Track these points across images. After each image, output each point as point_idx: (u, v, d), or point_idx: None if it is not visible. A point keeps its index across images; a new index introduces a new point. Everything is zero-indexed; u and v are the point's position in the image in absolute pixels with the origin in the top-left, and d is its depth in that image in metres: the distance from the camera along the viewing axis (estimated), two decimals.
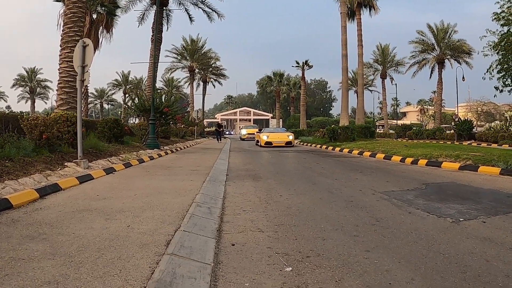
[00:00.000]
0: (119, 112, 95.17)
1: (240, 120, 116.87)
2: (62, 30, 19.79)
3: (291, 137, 33.34)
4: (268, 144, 31.74)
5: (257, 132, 40.00)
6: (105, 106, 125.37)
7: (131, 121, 51.75)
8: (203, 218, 5.94)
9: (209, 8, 42.85)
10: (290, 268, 4.05)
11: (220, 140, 47.74)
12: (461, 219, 6.25)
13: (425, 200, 8.02)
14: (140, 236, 4.73)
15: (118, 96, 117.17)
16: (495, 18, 34.23)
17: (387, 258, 4.40)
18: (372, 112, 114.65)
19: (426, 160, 15.74)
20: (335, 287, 3.61)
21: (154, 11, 36.56)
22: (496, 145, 29.17)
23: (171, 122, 30.22)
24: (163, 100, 26.86)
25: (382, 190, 9.15)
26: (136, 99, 27.23)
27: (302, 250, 4.64)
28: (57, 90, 19.72)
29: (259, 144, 33.80)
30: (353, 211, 6.90)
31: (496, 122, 49.84)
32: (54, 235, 4.80)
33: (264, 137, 32.59)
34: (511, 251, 4.68)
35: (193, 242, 4.70)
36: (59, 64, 19.30)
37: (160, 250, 4.21)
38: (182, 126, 43.16)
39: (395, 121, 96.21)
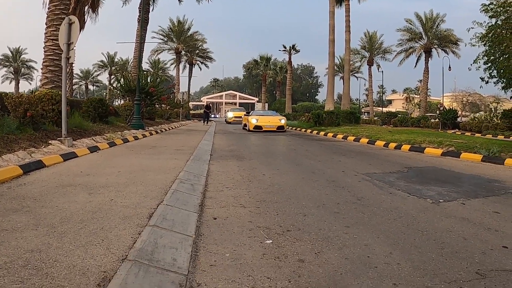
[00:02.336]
0: (104, 94, 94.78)
1: (225, 103, 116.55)
2: (48, 8, 19.58)
3: (283, 121, 30.01)
4: (258, 128, 28.71)
5: (244, 115, 36.47)
6: (90, 87, 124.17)
7: (116, 103, 51.54)
8: (186, 194, 5.99)
9: None
10: (271, 241, 4.12)
11: (207, 122, 44.68)
12: (441, 201, 6.38)
13: (406, 182, 8.14)
14: (123, 209, 4.77)
15: (104, 78, 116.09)
16: (483, 10, 34.31)
17: (366, 234, 4.49)
18: (358, 99, 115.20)
19: (410, 146, 15.87)
20: (314, 259, 3.68)
21: None
22: (480, 134, 29.40)
23: (156, 103, 30.07)
24: (148, 80, 26.72)
25: (364, 172, 9.26)
26: (122, 79, 27.08)
27: (283, 225, 4.72)
28: (42, 68, 19.56)
29: (246, 128, 30.67)
30: (334, 190, 7.00)
31: (480, 113, 50.18)
32: (38, 208, 4.82)
33: (253, 120, 29.31)
34: (488, 230, 4.80)
35: (175, 215, 4.75)
36: (45, 43, 19.14)
37: (143, 222, 4.26)
38: (167, 107, 42.97)
39: (381, 108, 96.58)
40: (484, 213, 5.66)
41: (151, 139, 17.43)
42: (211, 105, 53.99)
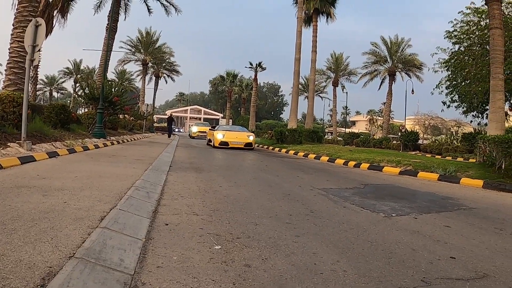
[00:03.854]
0: (69, 102, 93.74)
1: (190, 118, 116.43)
2: (16, 10, 19.47)
3: (251, 138, 27.64)
4: (224, 144, 26.31)
5: (210, 129, 33.55)
6: (55, 94, 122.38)
7: (80, 112, 51.03)
8: (141, 201, 6.03)
9: (168, 1, 42.73)
10: (219, 247, 4.20)
11: (169, 136, 42.97)
12: (393, 215, 6.58)
13: (361, 197, 8.34)
14: (76, 211, 4.79)
15: (69, 85, 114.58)
16: (447, 36, 35.35)
17: (315, 243, 4.60)
18: (322, 119, 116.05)
19: (368, 164, 16.18)
20: (261, 264, 3.77)
21: None
22: (440, 157, 29.90)
23: (120, 113, 29.88)
24: (112, 90, 26.59)
25: (321, 187, 9.43)
26: (87, 89, 26.90)
27: (233, 232, 4.81)
28: (5, 70, 19.38)
29: (211, 143, 28.30)
30: (289, 203, 7.12)
31: (442, 136, 51.04)
32: None
33: (218, 135, 26.81)
34: (437, 243, 4.99)
35: (128, 219, 4.79)
36: (10, 44, 18.99)
37: (94, 224, 4.28)
38: (131, 118, 42.71)
39: (344, 129, 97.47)
40: (435, 227, 5.88)
41: (112, 148, 17.33)
42: (174, 117, 52.35)
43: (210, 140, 30.07)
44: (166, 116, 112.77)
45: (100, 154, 13.82)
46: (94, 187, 6.62)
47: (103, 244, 3.71)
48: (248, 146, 27.08)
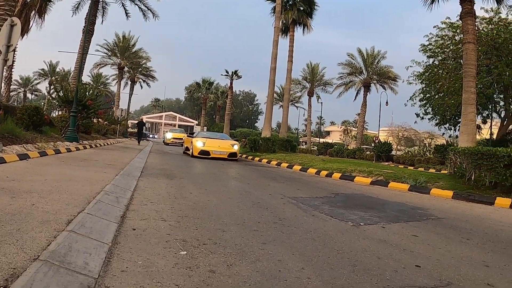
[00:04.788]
0: (43, 104, 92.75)
1: (165, 124, 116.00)
2: None
3: (235, 147, 24.60)
4: (204, 153, 23.11)
5: (187, 136, 30.03)
6: (29, 95, 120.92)
7: (54, 114, 50.49)
8: (109, 205, 6.03)
9: (146, 6, 42.53)
10: (185, 252, 4.22)
11: (139, 142, 39.31)
12: (361, 224, 6.66)
13: (331, 206, 8.40)
14: (43, 214, 4.78)
15: (43, 87, 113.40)
16: (422, 50, 35.90)
17: (281, 250, 4.65)
18: (297, 128, 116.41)
19: (340, 174, 16.31)
20: (225, 270, 3.80)
21: (90, 1, 36.03)
22: (413, 168, 30.17)
23: (93, 117, 29.66)
24: (87, 93, 26.41)
25: (291, 196, 9.49)
26: (61, 91, 26.68)
27: (200, 238, 4.83)
28: None
29: (189, 152, 25.15)
30: (258, 211, 7.17)
31: (415, 147, 51.52)
32: None
33: (198, 143, 23.52)
34: (403, 251, 5.08)
35: (95, 224, 4.80)
36: None
37: (60, 227, 4.29)
38: (104, 123, 42.42)
39: (319, 138, 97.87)
40: (402, 236, 5.98)
41: (84, 152, 17.24)
42: (145, 121, 51.04)
43: (187, 148, 26.90)
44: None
45: (72, 157, 13.74)
46: (63, 190, 6.60)
47: (68, 247, 3.72)
48: (232, 156, 24.05)
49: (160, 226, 5.28)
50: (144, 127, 43.70)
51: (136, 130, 48.79)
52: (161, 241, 4.56)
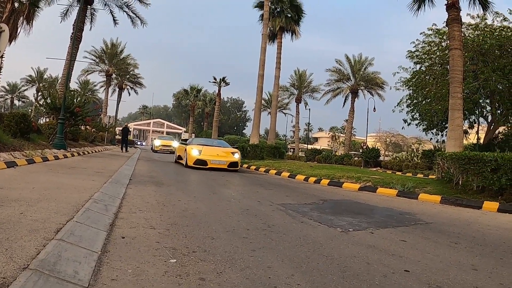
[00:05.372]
0: (30, 111, 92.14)
1: (153, 131, 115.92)
2: None
3: (236, 156, 21.70)
4: (201, 163, 20.27)
5: (180, 143, 27.31)
6: (16, 102, 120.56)
7: (42, 121, 50.21)
8: (98, 213, 6.01)
9: (134, 13, 42.44)
10: (175, 260, 4.22)
11: (126, 149, 37.74)
12: (350, 230, 6.69)
13: (320, 212, 8.43)
14: (32, 223, 4.76)
15: (31, 93, 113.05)
16: (409, 56, 36.15)
17: (271, 257, 4.66)
18: (285, 135, 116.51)
19: (329, 180, 16.31)
20: (215, 278, 3.81)
21: (78, 7, 35.80)
22: (401, 173, 30.27)
23: (81, 124, 29.50)
24: (75, 100, 26.28)
25: (280, 203, 9.50)
26: (49, 98, 26.52)
27: (189, 246, 4.83)
28: None
29: (183, 162, 22.41)
30: (247, 218, 7.18)
31: (402, 153, 51.73)
32: None
33: (194, 152, 20.66)
34: (392, 256, 5.11)
35: (84, 232, 4.79)
36: None
37: (50, 235, 4.27)
38: (92, 130, 42.22)
39: (307, 145, 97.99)
40: (391, 241, 6.01)
41: (72, 160, 17.16)
42: (132, 130, 50.23)
43: (180, 157, 24.28)
44: (129, 129, 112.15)
45: (60, 165, 13.68)
46: (51, 198, 6.57)
47: (58, 256, 3.72)
48: (233, 166, 21.16)
49: (149, 234, 5.28)
50: (129, 133, 42.01)
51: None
52: (150, 249, 4.56)
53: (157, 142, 49.06)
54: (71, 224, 4.90)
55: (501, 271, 4.83)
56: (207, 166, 20.32)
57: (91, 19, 41.18)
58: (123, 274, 3.69)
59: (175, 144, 48.28)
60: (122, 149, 38.00)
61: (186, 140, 28.67)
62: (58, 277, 3.30)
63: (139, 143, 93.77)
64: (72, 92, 29.76)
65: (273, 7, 45.34)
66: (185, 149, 21.78)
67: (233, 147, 25.81)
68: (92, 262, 3.90)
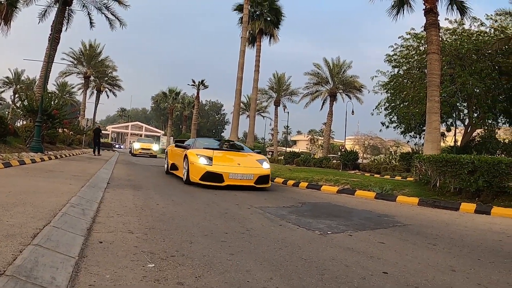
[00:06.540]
0: (7, 113, 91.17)
1: (131, 134, 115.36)
2: None
3: (266, 166, 14.72)
4: (213, 178, 13.28)
5: (175, 145, 17.53)
6: None
7: (19, 124, 49.75)
8: (75, 218, 5.97)
9: (113, 15, 42.09)
10: (153, 265, 4.21)
11: (99, 153, 34.49)
12: (329, 232, 6.71)
13: (298, 215, 8.44)
14: (8, 228, 4.72)
15: (8, 95, 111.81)
16: (387, 60, 36.48)
17: (249, 261, 4.66)
18: (263, 138, 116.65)
19: (307, 183, 16.36)
20: (194, 282, 3.80)
21: (57, 8, 35.45)
22: (379, 175, 30.36)
23: (58, 127, 29.23)
24: (52, 103, 26.05)
25: (258, 206, 9.50)
26: (26, 100, 26.24)
27: (168, 250, 4.82)
28: None
29: (180, 173, 15.56)
30: (225, 221, 7.18)
31: (380, 155, 52.05)
32: None
33: (201, 160, 13.65)
34: (371, 259, 5.13)
35: (61, 237, 4.75)
36: None
37: (26, 241, 4.23)
38: (70, 133, 41.89)
39: (285, 148, 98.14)
40: (369, 243, 6.05)
41: (49, 163, 17.01)
42: (101, 128, 48.94)
43: (173, 167, 17.33)
44: (107, 132, 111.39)
45: (37, 169, 13.57)
46: (28, 203, 6.51)
47: (35, 262, 3.69)
48: (263, 183, 14.02)
49: (127, 238, 5.26)
50: (101, 135, 37.98)
51: (103, 140, 46.19)
52: (128, 254, 4.54)
53: (136, 145, 46.80)
54: (48, 229, 4.86)
55: (479, 271, 4.89)
56: (223, 184, 13.19)
57: (68, 20, 40.73)
58: (100, 280, 3.67)
59: (155, 147, 47.66)
60: (94, 152, 35.21)
61: (182, 141, 20.34)
62: (35, 283, 3.27)
63: (117, 146, 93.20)
64: (49, 94, 29.53)
65: (252, 10, 45.44)
66: (186, 156, 14.58)
67: (257, 154, 17.13)
68: (70, 267, 3.87)
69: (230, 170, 13.40)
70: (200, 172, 13.40)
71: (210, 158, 13.71)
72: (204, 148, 15.25)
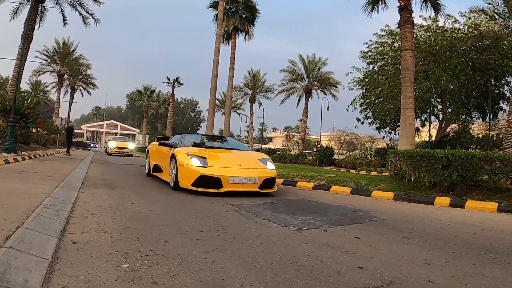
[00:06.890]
0: None
1: (106, 133, 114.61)
2: None
3: (271, 166, 12.35)
4: (209, 183, 11.02)
5: (159, 143, 15.05)
6: None
7: None
8: (49, 219, 5.92)
9: (86, 11, 41.69)
10: (127, 265, 4.20)
11: (68, 151, 34.05)
12: (304, 228, 6.77)
13: (273, 212, 8.51)
14: None
15: None
16: (362, 56, 36.77)
17: (224, 259, 4.67)
18: (239, 135, 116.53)
19: (283, 180, 16.43)
20: (168, 281, 3.80)
21: (29, 5, 35.03)
22: (355, 171, 30.65)
23: (32, 126, 28.89)
24: (25, 102, 25.73)
25: (233, 203, 9.51)
26: None
27: (142, 250, 4.81)
28: None
29: (166, 177, 13.32)
30: (200, 219, 7.19)
31: (356, 151, 52.38)
32: None
33: (194, 161, 11.31)
34: (346, 254, 5.19)
35: (34, 239, 4.72)
36: None
37: None
38: (44, 132, 41.42)
39: (261, 145, 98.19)
40: (344, 239, 6.11)
41: (23, 164, 16.82)
42: (74, 127, 48.07)
43: (157, 168, 15.07)
44: (82, 131, 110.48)
45: (10, 169, 13.40)
46: (0, 204, 6.43)
47: (7, 265, 3.65)
48: (267, 187, 11.88)
49: (101, 238, 5.23)
50: (73, 134, 37.76)
51: (78, 139, 45.20)
52: (102, 254, 4.52)
53: (112, 144, 46.05)
54: (21, 231, 4.81)
55: (453, 264, 4.98)
56: (221, 190, 11.01)
57: (41, 18, 40.25)
58: (74, 281, 3.65)
59: (131, 146, 47.15)
60: (68, 151, 34.23)
61: (166, 138, 18.08)
62: (8, 287, 3.24)
63: (92, 145, 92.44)
64: (23, 94, 29.23)
65: (227, 7, 45.36)
66: (174, 157, 12.22)
67: (256, 150, 15.03)
68: (43, 269, 3.85)
69: (230, 173, 11.18)
70: (192, 176, 11.15)
71: (204, 158, 11.46)
72: (195, 147, 13.08)
